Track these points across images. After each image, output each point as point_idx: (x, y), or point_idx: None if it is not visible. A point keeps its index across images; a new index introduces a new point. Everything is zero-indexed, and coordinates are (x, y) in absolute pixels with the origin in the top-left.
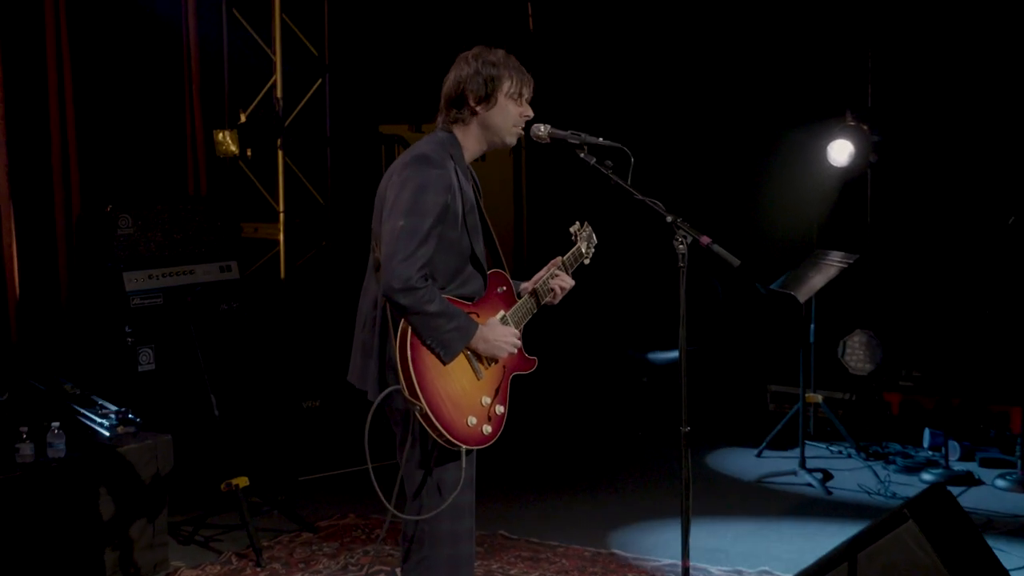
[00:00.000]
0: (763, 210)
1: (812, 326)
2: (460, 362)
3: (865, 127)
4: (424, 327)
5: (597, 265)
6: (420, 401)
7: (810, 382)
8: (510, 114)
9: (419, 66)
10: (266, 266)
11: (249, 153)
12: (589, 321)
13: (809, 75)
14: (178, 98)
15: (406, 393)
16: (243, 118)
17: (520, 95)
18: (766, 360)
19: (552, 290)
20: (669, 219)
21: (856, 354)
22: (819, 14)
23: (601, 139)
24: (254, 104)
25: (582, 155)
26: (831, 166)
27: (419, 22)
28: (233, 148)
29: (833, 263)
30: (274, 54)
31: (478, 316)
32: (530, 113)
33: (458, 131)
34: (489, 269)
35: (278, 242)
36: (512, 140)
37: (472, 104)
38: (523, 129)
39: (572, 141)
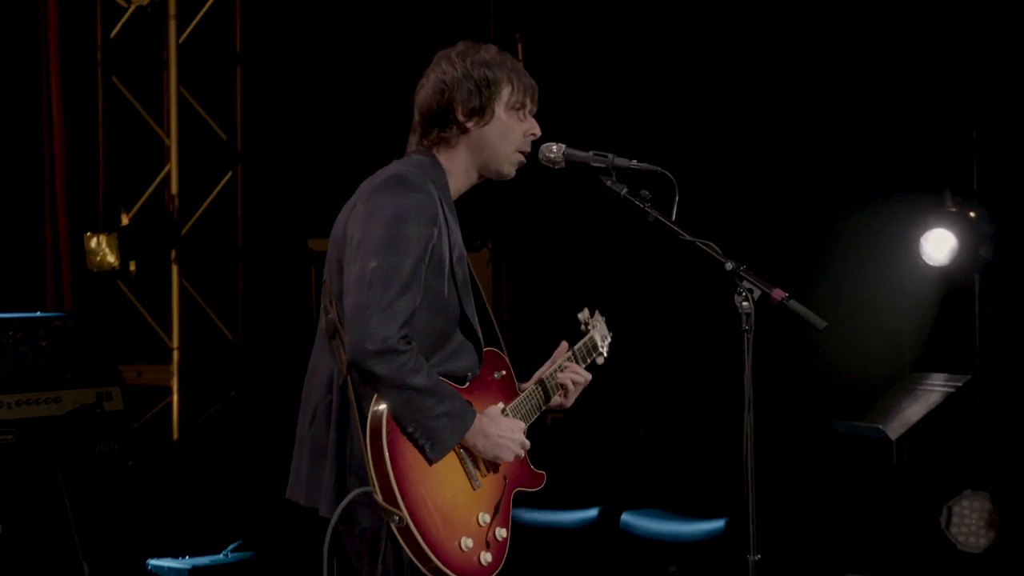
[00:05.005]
0: (833, 320)
1: (905, 486)
2: (451, 463)
3: (972, 213)
4: (406, 407)
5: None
6: (400, 509)
7: (904, 565)
8: (512, 132)
9: (366, 157)
10: (152, 423)
11: (132, 268)
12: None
13: (893, 144)
14: (35, 191)
15: (380, 498)
16: (125, 220)
17: (523, 105)
18: (840, 534)
19: (563, 386)
20: (729, 267)
21: (966, 524)
22: (908, 68)
23: (634, 162)
24: (140, 202)
25: (609, 183)
26: (926, 264)
27: (366, 97)
28: (111, 259)
29: (935, 388)
30: (168, 137)
31: (471, 405)
32: (537, 131)
33: (442, 156)
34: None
35: (170, 390)
36: (511, 169)
37: (461, 119)
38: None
39: (596, 165)
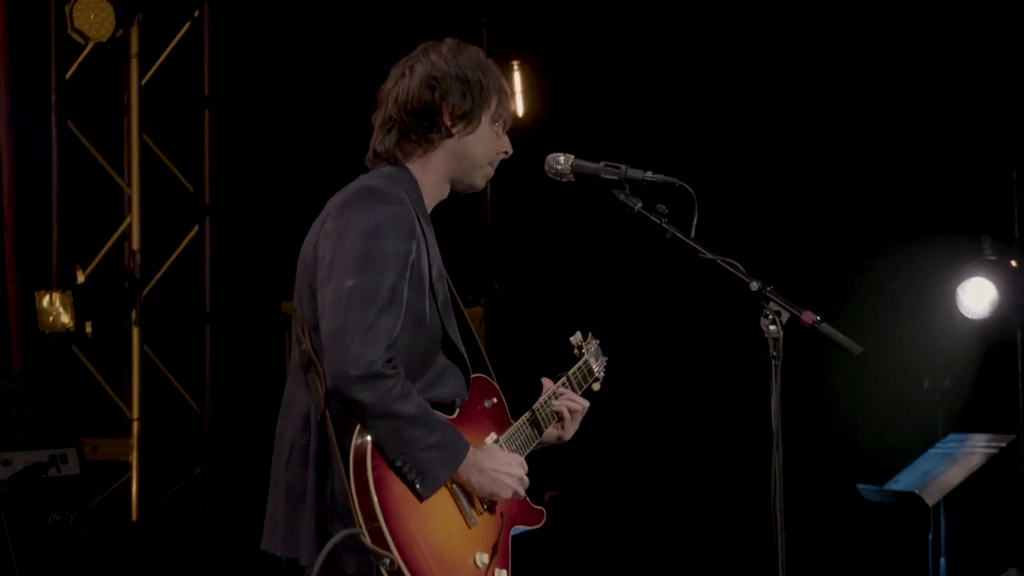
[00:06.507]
0: (860, 376)
1: (943, 559)
2: (443, 499)
3: (1013, 262)
4: (393, 438)
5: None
6: (390, 551)
7: None
8: (491, 146)
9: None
10: (109, 502)
11: (89, 330)
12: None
13: (928, 185)
14: None
15: (368, 541)
16: (81, 277)
17: (503, 120)
18: None
19: (558, 414)
20: (755, 287)
21: None
22: (947, 105)
23: (649, 173)
24: (98, 258)
25: (622, 196)
26: (963, 316)
27: (346, 143)
28: (65, 320)
29: (976, 450)
30: (129, 187)
31: (462, 436)
32: (510, 150)
33: (414, 164)
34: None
35: (129, 466)
36: (482, 183)
37: (448, 122)
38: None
39: (607, 177)
